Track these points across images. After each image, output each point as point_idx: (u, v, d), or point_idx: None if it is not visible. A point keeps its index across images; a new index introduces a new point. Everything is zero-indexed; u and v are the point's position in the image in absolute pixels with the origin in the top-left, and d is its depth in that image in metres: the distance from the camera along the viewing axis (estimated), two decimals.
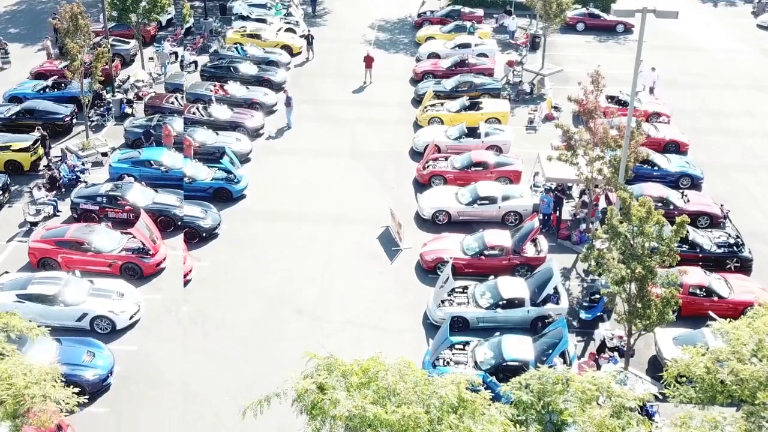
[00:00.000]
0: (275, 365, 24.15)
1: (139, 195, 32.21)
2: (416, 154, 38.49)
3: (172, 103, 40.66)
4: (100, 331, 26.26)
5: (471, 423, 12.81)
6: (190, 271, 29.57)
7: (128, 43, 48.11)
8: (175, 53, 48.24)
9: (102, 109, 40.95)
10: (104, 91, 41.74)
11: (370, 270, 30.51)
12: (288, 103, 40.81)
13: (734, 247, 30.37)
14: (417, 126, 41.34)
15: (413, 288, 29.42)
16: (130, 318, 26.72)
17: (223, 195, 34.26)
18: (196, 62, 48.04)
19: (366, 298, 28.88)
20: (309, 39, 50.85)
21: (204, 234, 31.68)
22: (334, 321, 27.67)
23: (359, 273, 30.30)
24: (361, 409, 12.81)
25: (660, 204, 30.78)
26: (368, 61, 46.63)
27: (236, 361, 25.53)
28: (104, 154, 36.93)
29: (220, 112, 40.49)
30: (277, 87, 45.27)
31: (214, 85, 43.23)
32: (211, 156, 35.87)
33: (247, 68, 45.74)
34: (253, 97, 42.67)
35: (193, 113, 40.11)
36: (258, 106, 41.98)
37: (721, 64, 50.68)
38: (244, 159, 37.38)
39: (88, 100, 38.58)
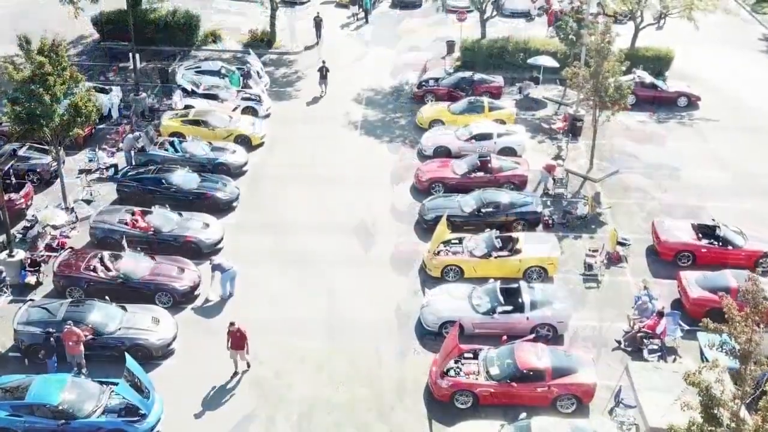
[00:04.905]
0: None
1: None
2: None
3: (104, 264, 26.97)
4: None
5: None
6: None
7: (48, 152, 33.08)
8: (114, 166, 34.71)
9: None
10: None
11: None
12: (220, 267, 27.35)
13: None
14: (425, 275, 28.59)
15: None
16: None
17: None
18: (115, 166, 34.81)
19: None
20: (323, 72, 42.42)
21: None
22: None
23: None
24: None
25: None
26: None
27: None
28: None
29: (135, 266, 27.32)
30: (226, 206, 32.28)
31: (132, 214, 30.05)
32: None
33: (184, 179, 32.54)
34: (186, 234, 29.52)
35: (93, 269, 26.99)
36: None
37: None
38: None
39: None
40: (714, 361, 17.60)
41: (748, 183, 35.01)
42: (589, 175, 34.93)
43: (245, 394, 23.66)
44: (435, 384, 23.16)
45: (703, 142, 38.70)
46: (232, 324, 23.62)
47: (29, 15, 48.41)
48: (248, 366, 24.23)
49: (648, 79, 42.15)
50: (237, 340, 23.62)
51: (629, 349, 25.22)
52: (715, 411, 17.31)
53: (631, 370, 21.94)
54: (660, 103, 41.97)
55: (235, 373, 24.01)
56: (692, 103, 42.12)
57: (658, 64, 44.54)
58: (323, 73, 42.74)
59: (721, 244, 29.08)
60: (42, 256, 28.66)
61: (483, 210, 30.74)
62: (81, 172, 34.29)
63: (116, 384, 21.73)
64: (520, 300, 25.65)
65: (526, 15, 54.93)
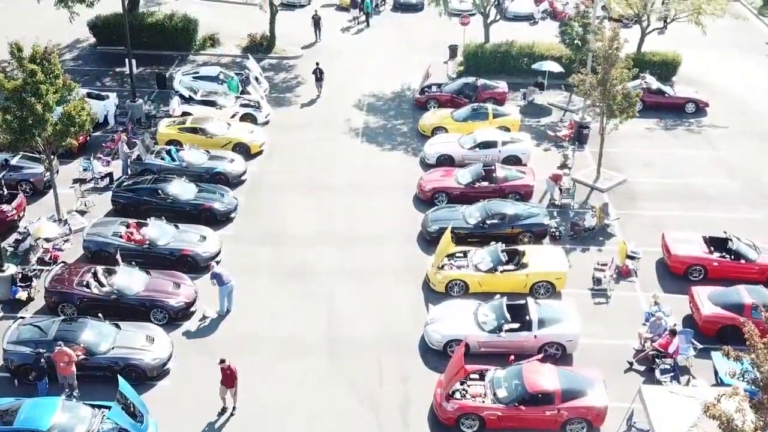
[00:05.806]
0: None
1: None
2: None
3: (98, 279, 26.20)
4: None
5: None
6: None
7: (41, 162, 31.46)
8: (110, 175, 33.99)
9: None
10: None
11: None
12: (219, 279, 26.43)
13: None
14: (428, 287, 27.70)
15: None
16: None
17: None
18: (111, 175, 34.00)
19: None
20: (318, 74, 41.88)
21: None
22: None
23: None
24: None
25: None
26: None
27: None
28: None
29: (130, 281, 26.49)
30: (223, 217, 31.44)
31: (127, 226, 29.22)
32: None
33: (181, 189, 31.68)
34: (183, 248, 28.67)
35: (86, 284, 26.13)
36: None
37: None
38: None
39: None
40: (734, 389, 16.83)
41: (758, 190, 34.23)
42: (597, 185, 34.06)
43: (243, 416, 22.80)
44: (440, 407, 22.30)
45: (711, 149, 37.86)
46: (222, 361, 22.30)
47: (25, 18, 47.51)
48: (234, 408, 22.79)
49: (655, 84, 41.32)
50: (227, 378, 22.37)
51: (641, 368, 24.38)
52: None
53: (644, 393, 21.06)
54: (667, 109, 41.13)
55: (224, 409, 22.74)
56: (700, 109, 41.29)
57: (665, 69, 43.74)
58: (318, 75, 42.07)
59: (733, 257, 28.23)
60: (34, 270, 27.78)
61: (488, 222, 29.90)
62: (75, 181, 33.43)
63: (109, 408, 20.86)
64: (527, 317, 24.80)
65: (530, 18, 54.17)
